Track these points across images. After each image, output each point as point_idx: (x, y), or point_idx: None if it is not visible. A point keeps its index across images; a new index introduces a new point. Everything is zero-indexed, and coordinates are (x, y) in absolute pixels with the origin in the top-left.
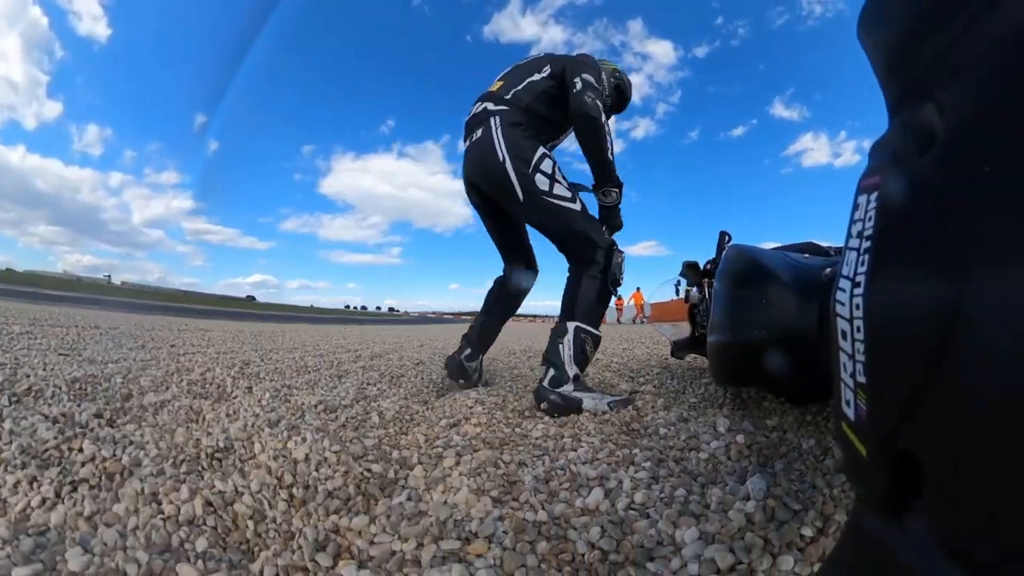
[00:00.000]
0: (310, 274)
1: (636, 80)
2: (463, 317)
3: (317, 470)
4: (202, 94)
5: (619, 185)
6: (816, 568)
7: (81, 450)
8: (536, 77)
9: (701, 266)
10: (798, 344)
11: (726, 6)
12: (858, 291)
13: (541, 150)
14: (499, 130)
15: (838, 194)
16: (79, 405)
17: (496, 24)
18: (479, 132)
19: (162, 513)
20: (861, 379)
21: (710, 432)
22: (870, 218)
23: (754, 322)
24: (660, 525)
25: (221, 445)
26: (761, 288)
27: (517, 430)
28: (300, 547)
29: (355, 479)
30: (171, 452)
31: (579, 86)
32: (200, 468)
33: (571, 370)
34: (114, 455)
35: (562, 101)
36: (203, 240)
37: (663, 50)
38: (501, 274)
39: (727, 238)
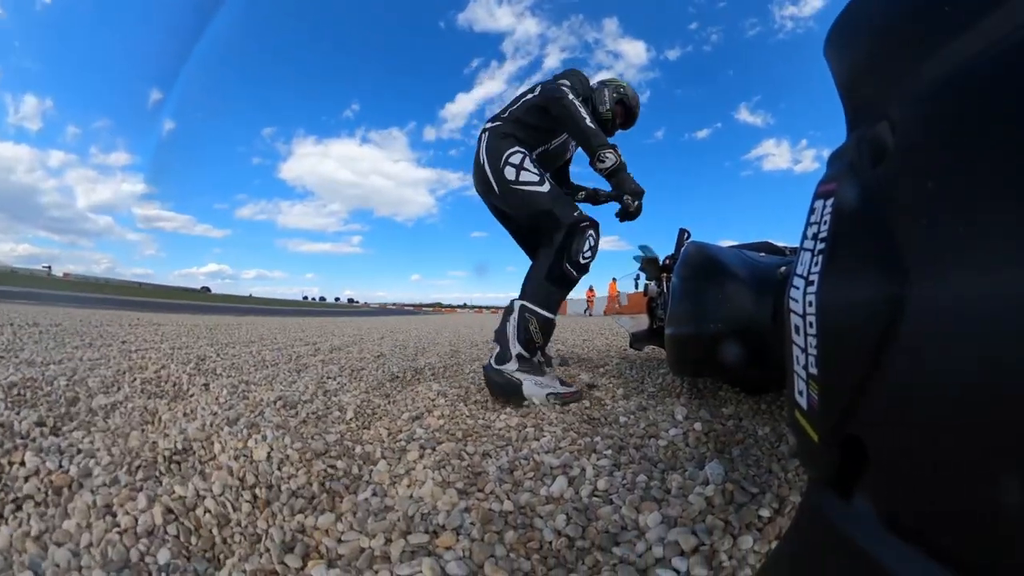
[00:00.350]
0: (267, 263)
1: (604, 78)
2: (424, 309)
3: (279, 469)
4: (158, 67)
5: (610, 146)
6: (774, 546)
7: (23, 463)
8: (529, 96)
9: (660, 261)
10: (753, 337)
11: (702, 12)
12: (811, 289)
13: (514, 148)
14: (485, 142)
15: (795, 198)
16: (18, 413)
17: (471, 12)
18: (476, 147)
19: (118, 526)
20: (813, 371)
21: (669, 420)
22: (825, 221)
23: (711, 315)
24: (623, 511)
25: (179, 447)
26: (718, 284)
27: (480, 421)
28: (267, 550)
29: (319, 476)
30: (125, 458)
31: (552, 82)
32: (157, 473)
33: (514, 348)
34: (60, 466)
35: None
36: (155, 228)
37: (635, 50)
38: None
39: (686, 235)
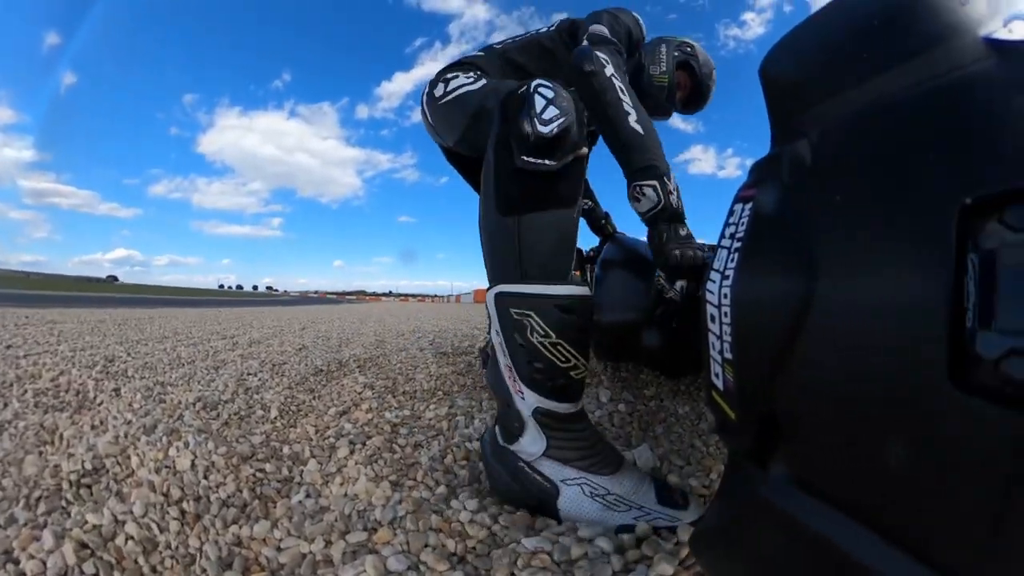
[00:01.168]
0: (180, 248)
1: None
2: (347, 297)
3: (206, 478)
4: (56, 4)
5: (656, 173)
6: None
7: None
8: (542, 29)
9: (584, 252)
10: (671, 323)
11: (652, 23)
12: (727, 283)
13: (462, 70)
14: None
15: (717, 200)
16: None
17: None
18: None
19: (24, 575)
20: (728, 356)
21: (594, 402)
22: (743, 223)
23: (632, 305)
24: None
25: (89, 467)
26: (639, 275)
27: (409, 412)
28: (204, 570)
29: (248, 482)
30: (20, 491)
31: (585, 38)
32: (64, 503)
33: (522, 401)
34: None
35: (559, 50)
36: (48, 204)
37: None
38: None
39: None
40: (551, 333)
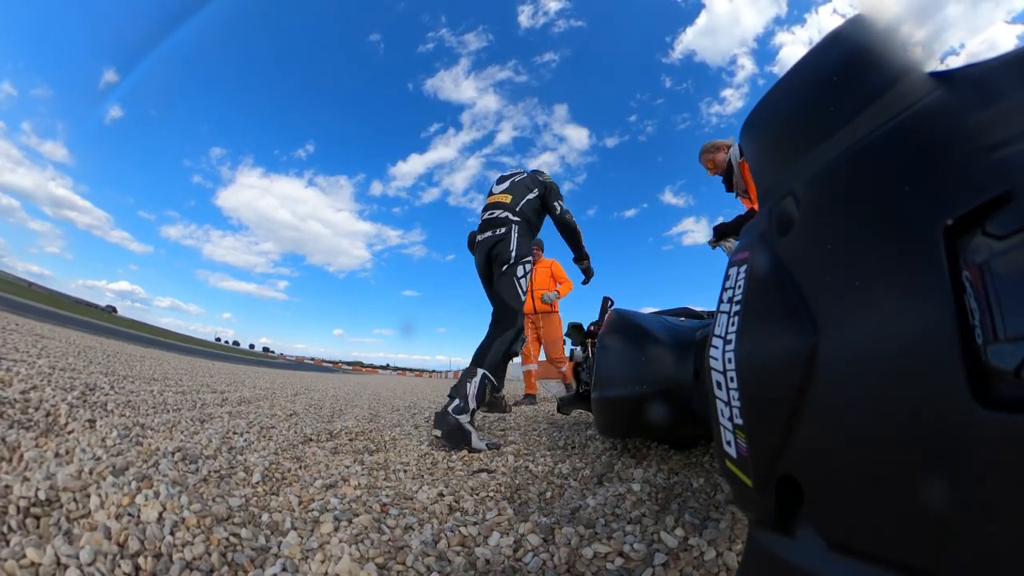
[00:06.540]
0: (183, 294)
1: (550, 159)
2: (343, 367)
3: (172, 534)
4: (121, 46)
5: (588, 257)
6: None
7: None
8: (530, 196)
9: (585, 328)
10: (677, 396)
11: (641, 107)
12: (729, 347)
13: (530, 258)
14: (516, 235)
15: (712, 268)
16: None
17: (439, 80)
18: (502, 230)
19: None
20: (738, 421)
21: (605, 486)
22: (739, 286)
23: (636, 378)
24: None
25: (42, 496)
26: (641, 347)
27: (400, 492)
28: None
29: (219, 546)
30: None
31: (559, 210)
32: (6, 528)
33: (472, 404)
34: None
35: (542, 211)
36: (66, 219)
37: (579, 135)
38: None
39: (609, 303)
40: (491, 390)
